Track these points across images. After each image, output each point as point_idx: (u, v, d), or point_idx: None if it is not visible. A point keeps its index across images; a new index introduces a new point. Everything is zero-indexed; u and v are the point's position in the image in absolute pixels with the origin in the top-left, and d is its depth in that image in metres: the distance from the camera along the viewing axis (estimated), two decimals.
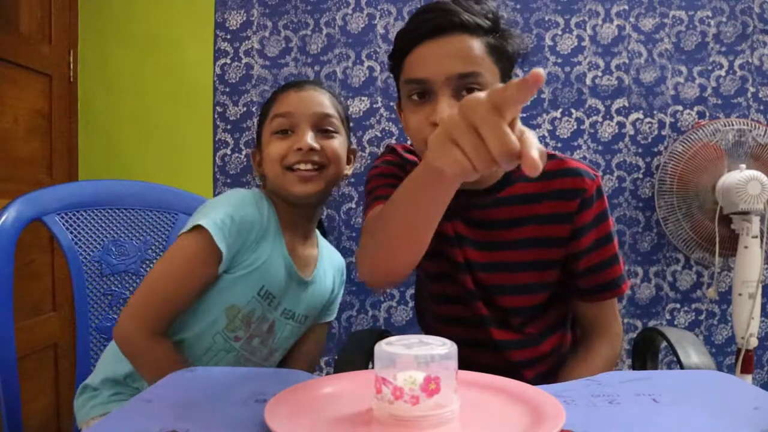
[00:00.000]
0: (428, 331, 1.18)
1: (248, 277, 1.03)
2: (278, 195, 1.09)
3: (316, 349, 1.25)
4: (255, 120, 2.20)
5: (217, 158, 2.21)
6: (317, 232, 1.21)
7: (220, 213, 0.99)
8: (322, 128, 1.08)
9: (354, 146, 1.18)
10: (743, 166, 1.90)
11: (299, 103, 1.08)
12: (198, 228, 0.97)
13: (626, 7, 2.15)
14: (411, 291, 2.18)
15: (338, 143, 1.09)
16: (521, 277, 1.03)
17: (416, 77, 0.91)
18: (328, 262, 1.20)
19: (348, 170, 1.14)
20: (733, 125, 2.01)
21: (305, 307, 1.13)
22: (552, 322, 1.10)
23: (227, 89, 2.20)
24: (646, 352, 1.22)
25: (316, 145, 1.05)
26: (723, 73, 2.16)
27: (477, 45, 0.90)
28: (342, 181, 1.14)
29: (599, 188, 1.01)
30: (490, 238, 1.03)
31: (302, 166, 1.05)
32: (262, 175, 1.12)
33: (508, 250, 1.03)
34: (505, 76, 0.94)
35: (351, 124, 1.19)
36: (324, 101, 1.10)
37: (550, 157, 1.03)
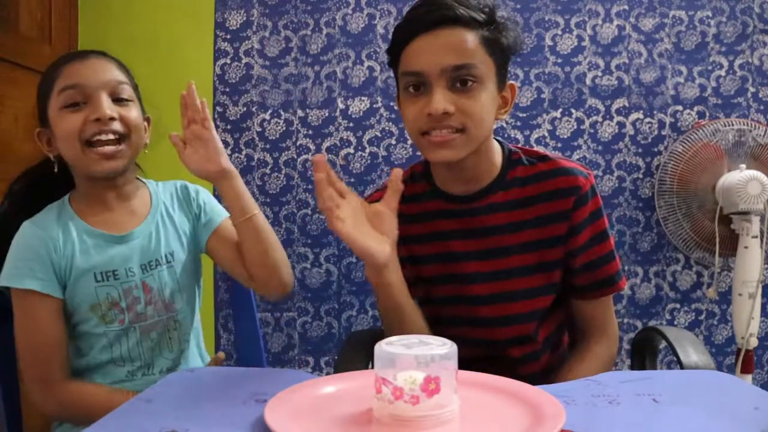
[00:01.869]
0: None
1: (77, 278, 1.02)
2: (77, 171, 1.07)
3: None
4: (255, 120, 2.20)
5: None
6: (144, 181, 1.19)
7: (16, 263, 1.00)
8: (117, 97, 1.05)
9: (147, 115, 1.17)
10: (743, 166, 1.90)
11: (89, 73, 1.03)
12: (22, 291, 0.99)
13: (626, 7, 2.15)
14: None
15: (136, 111, 1.07)
16: (528, 282, 1.03)
17: (412, 70, 0.94)
18: (163, 194, 1.18)
19: (147, 139, 1.13)
20: (733, 125, 2.01)
21: (160, 248, 1.10)
22: (556, 324, 1.10)
23: (227, 89, 2.20)
24: (646, 352, 1.22)
25: (114, 114, 1.02)
26: (723, 73, 2.16)
27: (471, 38, 0.93)
28: (143, 150, 1.12)
29: (593, 186, 1.02)
30: (491, 245, 1.04)
31: (103, 137, 1.01)
32: (57, 156, 1.07)
33: (510, 255, 1.03)
34: (501, 68, 0.97)
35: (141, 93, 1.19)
36: (114, 69, 1.08)
37: (542, 158, 1.04)
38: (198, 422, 0.62)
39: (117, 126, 1.03)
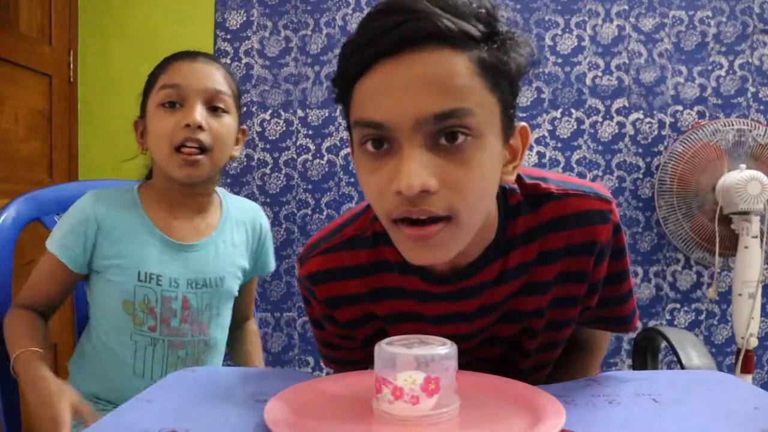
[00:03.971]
0: None
1: (117, 269, 1.02)
2: (158, 170, 1.08)
3: (249, 304, 1.27)
4: (255, 120, 2.20)
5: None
6: (220, 194, 1.17)
7: (62, 229, 1.02)
8: (213, 105, 1.04)
9: (244, 126, 1.15)
10: (743, 166, 1.91)
11: (191, 76, 1.03)
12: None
13: (626, 7, 2.15)
14: None
15: (228, 122, 1.05)
16: (541, 338, 0.82)
17: (369, 119, 0.60)
18: (234, 219, 1.15)
19: (236, 151, 1.11)
20: (733, 125, 2.01)
21: (212, 271, 1.09)
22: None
23: None
24: (646, 352, 1.22)
25: (204, 123, 1.01)
26: (723, 73, 2.16)
27: (462, 64, 0.59)
28: (231, 162, 1.16)
29: (616, 226, 0.75)
30: (483, 324, 0.79)
31: (188, 145, 1.00)
32: (146, 149, 1.10)
33: (519, 322, 0.80)
34: (507, 106, 0.64)
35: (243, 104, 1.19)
36: (217, 76, 1.05)
37: (546, 197, 0.74)
38: (198, 422, 0.62)
39: (204, 136, 1.01)
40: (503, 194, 0.74)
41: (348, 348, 0.86)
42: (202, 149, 1.02)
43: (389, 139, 0.60)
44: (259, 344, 1.28)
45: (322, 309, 0.81)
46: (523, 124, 0.69)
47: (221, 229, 1.12)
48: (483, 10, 0.61)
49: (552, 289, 0.76)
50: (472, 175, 0.60)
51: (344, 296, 0.79)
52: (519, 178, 0.74)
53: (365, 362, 0.84)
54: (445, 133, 0.59)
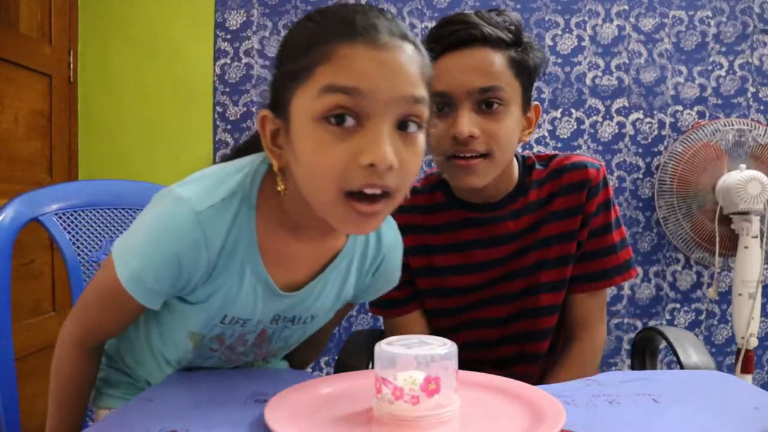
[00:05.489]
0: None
1: (203, 310, 0.79)
2: (303, 196, 0.72)
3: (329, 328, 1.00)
4: (255, 120, 2.19)
5: (217, 158, 2.20)
6: None
7: (142, 262, 0.73)
8: (407, 119, 0.66)
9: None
10: (743, 166, 1.90)
11: (380, 76, 0.64)
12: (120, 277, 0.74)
13: (626, 7, 2.15)
14: None
15: (421, 144, 0.69)
16: (547, 276, 1.04)
17: (437, 90, 0.87)
18: (351, 252, 0.87)
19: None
20: (733, 125, 2.01)
21: (308, 309, 0.86)
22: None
23: (227, 89, 2.20)
24: (646, 352, 1.22)
25: (395, 162, 0.64)
26: (723, 73, 2.16)
27: (498, 59, 0.91)
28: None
29: (604, 178, 1.03)
30: (511, 249, 1.04)
31: (367, 192, 0.66)
32: (280, 168, 0.72)
33: (528, 253, 1.04)
34: (526, 90, 0.95)
35: None
36: (412, 72, 0.66)
37: (553, 157, 1.06)
38: (198, 422, 0.62)
39: (390, 180, 0.65)
40: (522, 159, 1.05)
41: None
42: (384, 195, 0.67)
43: (448, 104, 0.91)
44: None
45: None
46: (536, 102, 1.01)
47: (339, 261, 0.85)
48: (513, 26, 0.93)
49: (555, 222, 1.02)
50: (502, 129, 0.91)
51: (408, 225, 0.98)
52: (531, 153, 1.08)
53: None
54: (486, 102, 0.91)
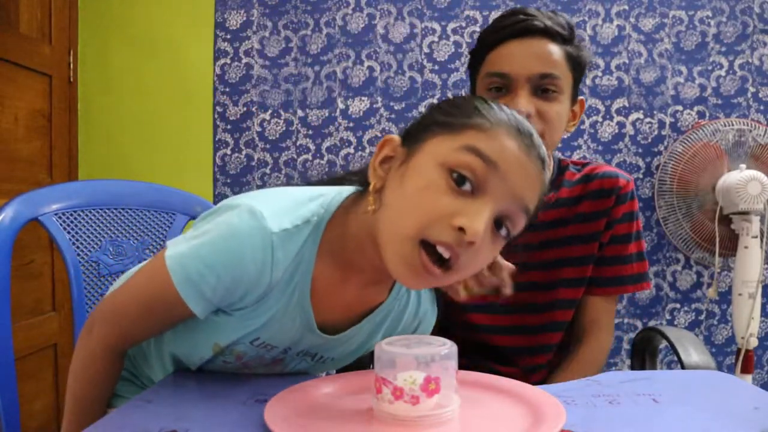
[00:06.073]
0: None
1: (241, 328, 0.77)
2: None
3: None
4: (255, 120, 2.20)
5: (217, 158, 2.21)
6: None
7: (203, 268, 0.70)
8: (507, 219, 0.69)
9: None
10: (743, 166, 1.90)
11: (516, 170, 0.67)
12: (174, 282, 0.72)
13: (626, 7, 2.15)
14: None
15: (497, 249, 0.71)
16: (569, 272, 1.06)
17: (499, 71, 0.98)
18: (397, 310, 0.86)
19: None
20: (733, 125, 2.01)
21: (334, 352, 0.85)
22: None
23: (227, 89, 2.20)
24: (646, 352, 1.22)
25: (479, 240, 0.66)
26: (723, 73, 2.16)
27: (556, 50, 0.98)
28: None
29: (632, 191, 1.08)
30: (539, 238, 1.07)
31: (440, 249, 0.67)
32: (376, 189, 0.73)
33: (555, 248, 1.07)
34: (576, 83, 1.03)
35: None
36: (537, 189, 0.70)
37: (587, 164, 1.11)
38: (198, 422, 0.62)
39: (464, 255, 0.67)
40: (557, 159, 1.10)
41: None
42: (449, 264, 0.67)
43: (507, 86, 0.98)
44: None
45: None
46: (582, 98, 1.07)
47: (386, 308, 0.84)
48: (567, 25, 1.01)
49: (580, 223, 1.06)
50: (553, 111, 0.98)
51: None
52: (570, 159, 1.13)
53: None
54: (543, 87, 0.97)
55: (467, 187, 0.65)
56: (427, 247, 0.65)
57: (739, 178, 1.86)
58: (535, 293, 1.07)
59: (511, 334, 1.09)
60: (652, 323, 2.19)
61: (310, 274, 0.75)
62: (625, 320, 2.18)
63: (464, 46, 2.17)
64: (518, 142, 0.67)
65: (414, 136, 0.71)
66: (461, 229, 0.63)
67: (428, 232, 0.65)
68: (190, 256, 0.71)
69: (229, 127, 2.20)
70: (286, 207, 0.74)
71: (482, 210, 0.64)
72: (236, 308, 0.75)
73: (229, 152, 2.20)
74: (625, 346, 2.18)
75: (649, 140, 2.17)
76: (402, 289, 0.85)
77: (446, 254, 0.65)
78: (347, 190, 0.79)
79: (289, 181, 2.19)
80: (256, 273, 0.71)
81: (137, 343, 0.84)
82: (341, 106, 2.18)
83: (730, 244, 1.97)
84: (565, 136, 2.13)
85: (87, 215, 1.23)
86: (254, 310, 0.75)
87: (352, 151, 2.19)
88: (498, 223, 0.67)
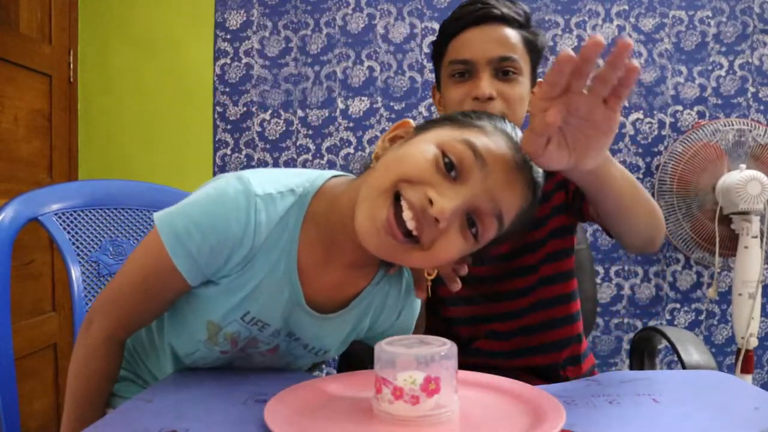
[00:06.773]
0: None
1: (229, 297, 0.79)
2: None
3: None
4: (255, 120, 2.20)
5: (217, 158, 2.21)
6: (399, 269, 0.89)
7: (189, 224, 0.74)
8: (477, 218, 0.70)
9: None
10: (743, 166, 1.90)
11: (502, 177, 0.70)
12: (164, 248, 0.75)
13: (626, 7, 2.15)
14: None
15: (464, 247, 0.71)
16: (545, 269, 1.08)
17: (461, 58, 1.03)
18: (382, 294, 0.88)
19: None
20: (733, 125, 2.01)
21: (322, 342, 0.87)
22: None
23: (227, 89, 2.20)
24: (645, 352, 1.22)
25: (445, 223, 0.68)
26: (723, 73, 2.16)
27: (514, 35, 1.04)
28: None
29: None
30: (520, 242, 1.07)
31: (406, 217, 0.70)
32: (376, 156, 0.78)
33: (533, 251, 1.08)
34: (534, 66, 1.08)
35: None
36: (518, 202, 0.72)
37: None
38: (198, 422, 0.62)
39: (429, 232, 0.69)
40: None
41: None
42: (416, 239, 0.70)
43: (470, 71, 1.03)
44: None
45: None
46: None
47: (365, 296, 0.86)
48: (523, 11, 1.06)
49: (556, 216, 1.08)
50: (515, 93, 1.02)
51: None
52: None
53: None
54: (503, 70, 1.02)
55: (453, 174, 0.68)
56: (399, 204, 0.67)
57: (739, 178, 1.86)
58: (532, 294, 1.08)
59: (516, 337, 1.10)
60: (652, 323, 2.19)
61: (295, 243, 0.78)
62: (625, 320, 2.18)
63: None
64: (512, 152, 0.70)
65: (426, 126, 0.76)
66: (431, 203, 0.66)
67: (403, 186, 0.68)
68: (178, 214, 0.76)
69: (229, 127, 2.20)
70: (272, 177, 0.79)
71: (457, 195, 0.67)
72: (223, 275, 0.78)
73: (229, 152, 2.21)
74: (625, 346, 2.18)
75: (649, 140, 2.17)
76: (384, 277, 0.87)
77: (411, 224, 0.67)
78: (337, 172, 0.84)
79: None
80: (239, 232, 0.74)
81: (137, 329, 0.86)
82: (341, 106, 2.19)
83: (730, 244, 1.97)
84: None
85: (87, 215, 1.23)
86: (240, 276, 0.77)
87: (352, 151, 2.19)
88: (471, 221, 0.69)
